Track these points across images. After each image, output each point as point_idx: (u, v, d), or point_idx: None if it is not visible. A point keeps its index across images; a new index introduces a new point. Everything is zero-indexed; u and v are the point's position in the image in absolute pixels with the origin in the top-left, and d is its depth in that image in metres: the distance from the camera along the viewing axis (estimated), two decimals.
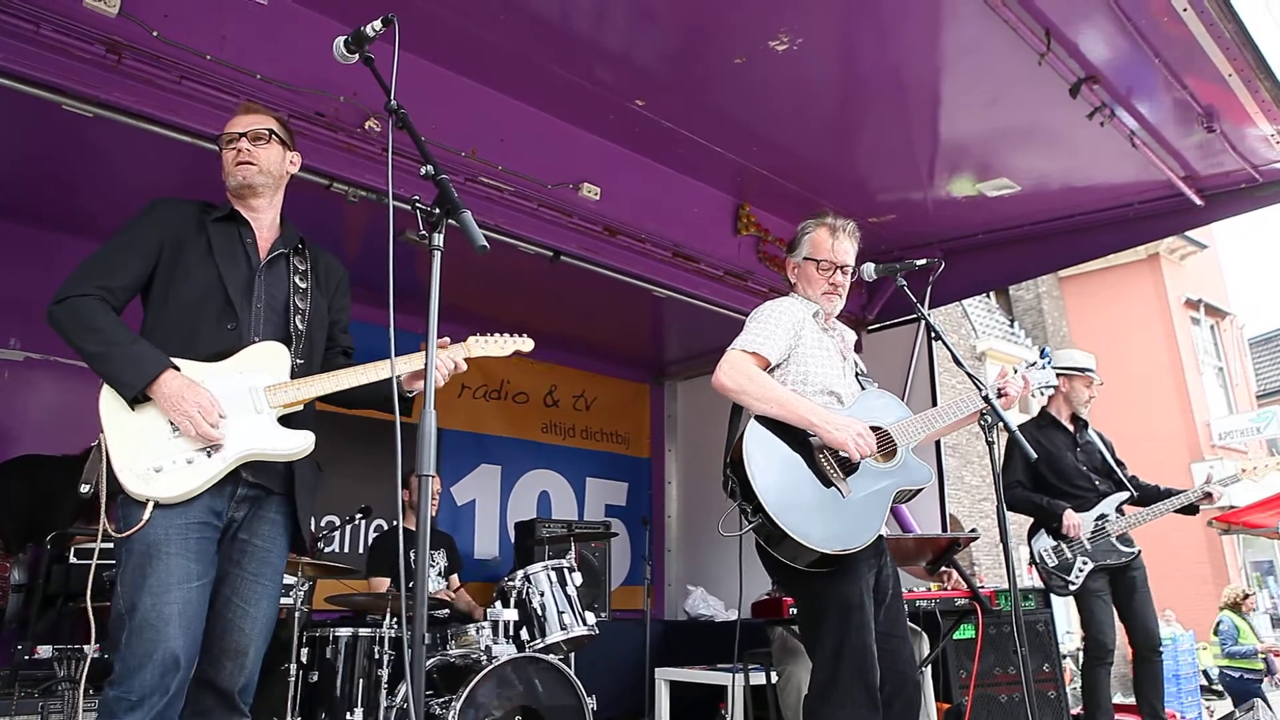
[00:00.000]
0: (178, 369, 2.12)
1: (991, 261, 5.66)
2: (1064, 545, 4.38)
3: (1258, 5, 3.53)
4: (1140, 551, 4.40)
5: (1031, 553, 4.51)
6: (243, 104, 2.54)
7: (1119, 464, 4.62)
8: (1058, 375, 4.66)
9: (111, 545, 2.11)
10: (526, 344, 2.67)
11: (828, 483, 2.54)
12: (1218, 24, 3.41)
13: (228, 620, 2.17)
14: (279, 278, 2.37)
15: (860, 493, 2.55)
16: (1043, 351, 2.97)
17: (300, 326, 2.35)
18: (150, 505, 2.04)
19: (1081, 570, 4.32)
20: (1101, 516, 4.38)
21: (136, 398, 2.08)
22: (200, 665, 2.10)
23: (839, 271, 2.84)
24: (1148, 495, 4.52)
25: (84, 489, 2.09)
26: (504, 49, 3.85)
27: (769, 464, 2.52)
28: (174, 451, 2.09)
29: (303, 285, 2.40)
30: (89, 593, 2.21)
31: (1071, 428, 4.62)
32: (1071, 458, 4.53)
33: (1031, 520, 4.57)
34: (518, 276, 4.99)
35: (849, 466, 2.55)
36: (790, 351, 2.73)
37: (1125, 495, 4.45)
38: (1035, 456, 2.76)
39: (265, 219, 2.42)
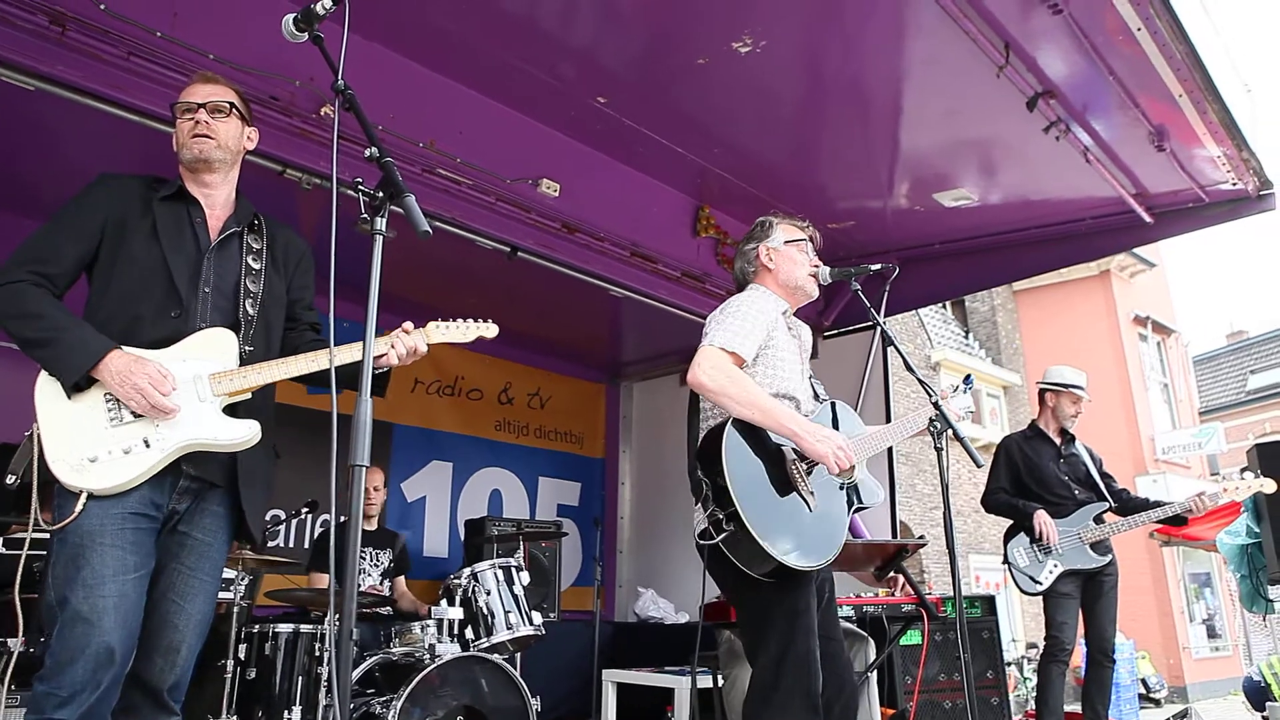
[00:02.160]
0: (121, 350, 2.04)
1: (947, 271, 5.73)
2: (1036, 548, 4.53)
3: (1208, 29, 3.61)
4: (1113, 559, 4.56)
5: (1006, 553, 4.64)
6: (200, 73, 2.42)
7: (1105, 477, 4.79)
8: (1046, 390, 4.82)
9: (44, 536, 2.03)
10: (490, 329, 2.51)
11: (788, 492, 2.49)
12: (1170, 45, 3.48)
13: (161, 615, 2.09)
14: (230, 259, 2.27)
15: (823, 506, 2.53)
16: (966, 379, 3.04)
17: (250, 311, 2.25)
18: (83, 496, 1.96)
19: (1052, 572, 4.47)
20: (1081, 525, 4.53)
21: (78, 384, 2.00)
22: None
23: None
24: (1134, 506, 4.68)
25: (9, 479, 2.02)
26: (465, 40, 3.80)
27: (743, 470, 2.45)
28: (111, 441, 2.01)
29: (256, 266, 2.30)
30: (17, 584, 2.13)
31: (1058, 440, 4.80)
32: (1054, 468, 4.71)
33: (1010, 523, 4.72)
34: (474, 271, 4.92)
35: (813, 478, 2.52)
36: (761, 351, 2.64)
37: (1104, 505, 4.61)
38: (982, 463, 2.78)
39: (219, 196, 2.32)
